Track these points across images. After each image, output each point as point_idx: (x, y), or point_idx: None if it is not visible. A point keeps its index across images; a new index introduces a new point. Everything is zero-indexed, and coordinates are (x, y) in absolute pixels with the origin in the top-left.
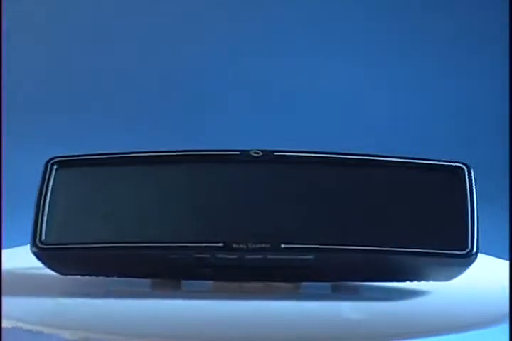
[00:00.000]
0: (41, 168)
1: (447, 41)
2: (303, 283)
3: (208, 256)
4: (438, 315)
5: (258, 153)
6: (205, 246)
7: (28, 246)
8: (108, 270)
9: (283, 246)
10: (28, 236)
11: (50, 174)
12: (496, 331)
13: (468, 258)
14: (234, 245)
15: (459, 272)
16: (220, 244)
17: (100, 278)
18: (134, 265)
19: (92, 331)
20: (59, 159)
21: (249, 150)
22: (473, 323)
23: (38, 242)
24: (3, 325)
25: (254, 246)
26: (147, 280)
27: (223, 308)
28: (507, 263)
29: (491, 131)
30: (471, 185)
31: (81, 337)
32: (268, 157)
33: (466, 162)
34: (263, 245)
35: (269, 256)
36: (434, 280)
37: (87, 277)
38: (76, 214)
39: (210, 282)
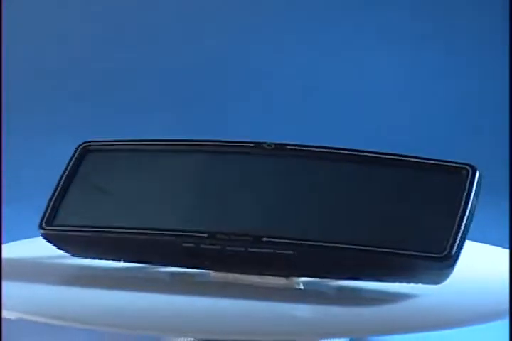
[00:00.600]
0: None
1: (448, 40)
2: (302, 280)
3: (193, 245)
4: (437, 309)
5: (271, 146)
6: (191, 236)
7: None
8: (106, 254)
9: (264, 239)
10: None
11: (77, 158)
12: (496, 325)
13: (444, 262)
14: (218, 236)
15: (440, 275)
16: (205, 234)
17: (101, 268)
18: (129, 250)
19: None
20: (88, 144)
21: (262, 143)
22: (472, 318)
23: (43, 224)
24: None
25: (236, 238)
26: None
27: (204, 301)
28: (507, 251)
29: (493, 123)
30: (471, 187)
31: (17, 317)
32: (279, 150)
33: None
34: (245, 237)
35: (250, 249)
36: (420, 282)
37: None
38: (90, 198)
39: (210, 273)
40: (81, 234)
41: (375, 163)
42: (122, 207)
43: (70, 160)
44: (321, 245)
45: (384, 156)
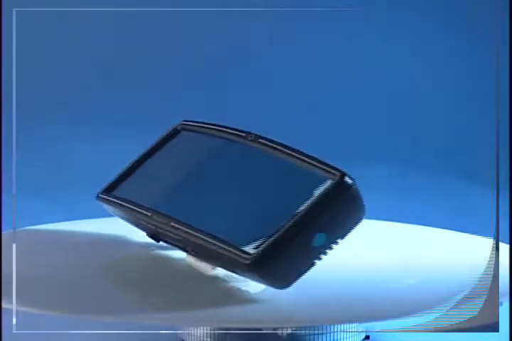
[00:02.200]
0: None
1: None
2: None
3: (145, 223)
4: (434, 296)
5: (251, 137)
6: (143, 213)
7: None
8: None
9: (171, 224)
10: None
11: (167, 135)
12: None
13: (249, 265)
14: (154, 216)
15: (258, 277)
16: (149, 213)
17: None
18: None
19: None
20: (184, 123)
21: (249, 134)
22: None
23: (101, 191)
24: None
25: (163, 220)
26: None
27: None
28: (507, 246)
29: (493, 121)
30: (325, 195)
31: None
32: (254, 142)
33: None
34: (164, 220)
35: (166, 232)
36: (256, 281)
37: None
38: (155, 175)
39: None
40: (116, 207)
41: (268, 155)
42: (163, 188)
43: (162, 136)
44: (188, 232)
45: (275, 147)
